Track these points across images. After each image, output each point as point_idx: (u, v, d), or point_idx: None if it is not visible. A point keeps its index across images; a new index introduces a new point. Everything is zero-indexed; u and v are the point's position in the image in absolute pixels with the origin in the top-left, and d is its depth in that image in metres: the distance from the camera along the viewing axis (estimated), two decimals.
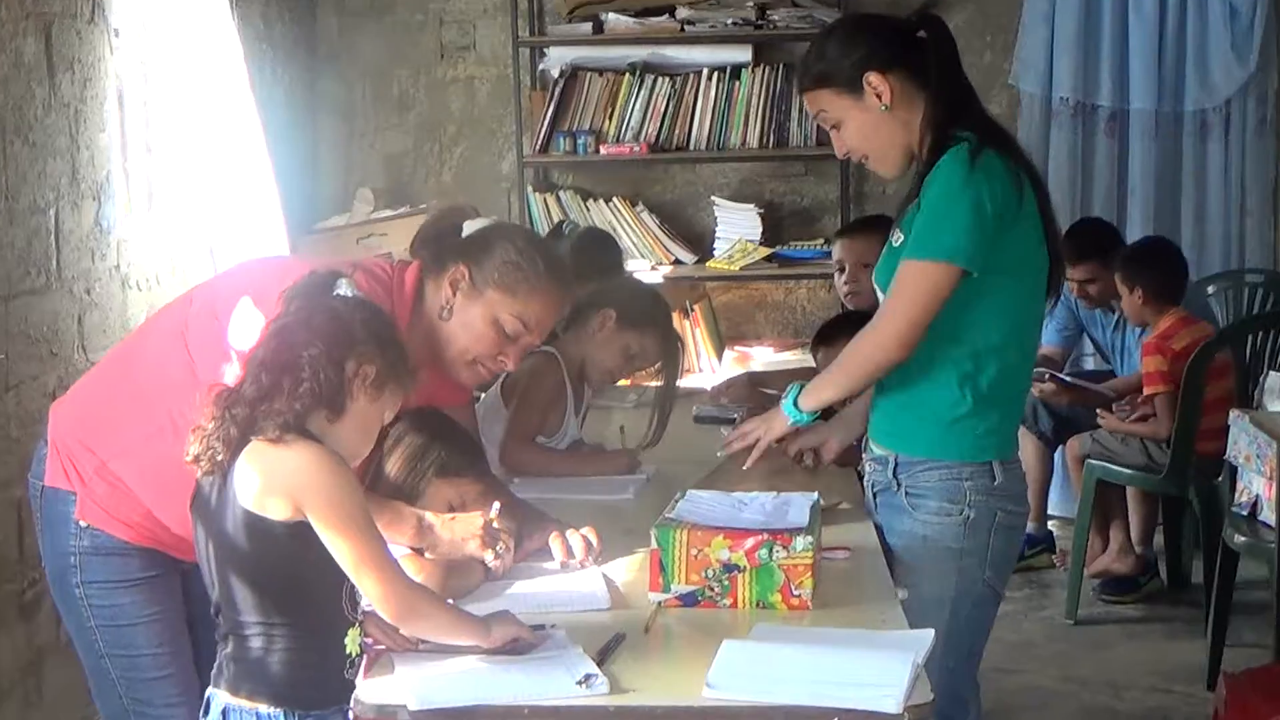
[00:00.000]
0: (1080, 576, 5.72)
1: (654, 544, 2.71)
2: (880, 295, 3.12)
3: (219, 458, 2.31)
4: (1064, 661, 5.33)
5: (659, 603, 2.71)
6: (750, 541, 2.67)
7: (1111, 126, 6.67)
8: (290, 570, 2.33)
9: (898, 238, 3.07)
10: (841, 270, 4.84)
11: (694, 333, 6.71)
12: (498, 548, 2.79)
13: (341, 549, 2.30)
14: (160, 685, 2.89)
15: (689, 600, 2.71)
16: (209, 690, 2.41)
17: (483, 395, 4.00)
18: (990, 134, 3.04)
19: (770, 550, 2.67)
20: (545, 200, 6.67)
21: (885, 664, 2.27)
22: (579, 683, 2.29)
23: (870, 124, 3.09)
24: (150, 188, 4.85)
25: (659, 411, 3.93)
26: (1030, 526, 5.53)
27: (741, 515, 2.83)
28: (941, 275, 2.94)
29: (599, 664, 2.39)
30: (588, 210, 6.68)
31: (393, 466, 2.88)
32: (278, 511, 2.31)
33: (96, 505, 2.89)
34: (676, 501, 2.93)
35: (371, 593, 2.33)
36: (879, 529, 3.17)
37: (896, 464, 3.10)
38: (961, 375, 3.02)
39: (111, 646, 2.93)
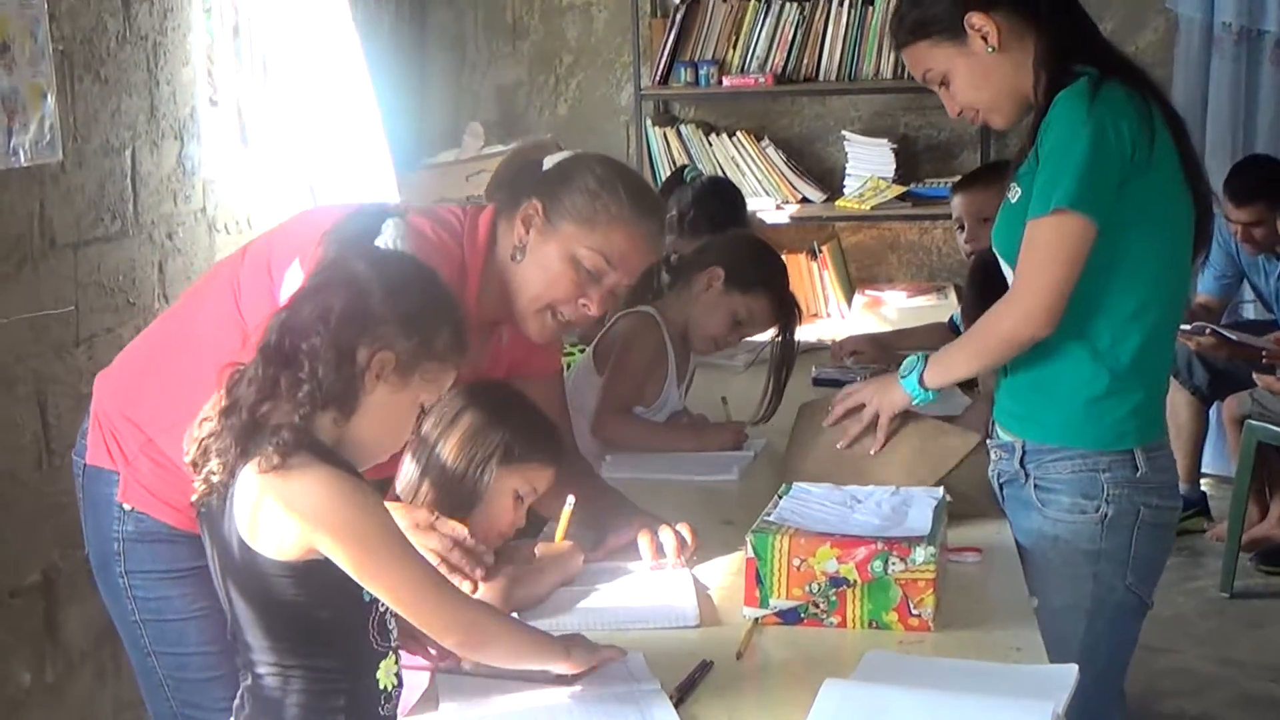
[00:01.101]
0: (1237, 546, 5.31)
1: (749, 552, 2.36)
2: (999, 257, 2.74)
3: (215, 479, 1.99)
4: (1219, 640, 4.91)
5: (755, 620, 2.36)
6: (862, 552, 2.31)
7: (1278, 54, 6.12)
8: (302, 613, 2.01)
9: (1014, 193, 2.68)
10: (961, 228, 4.43)
11: (821, 276, 6.34)
12: (472, 570, 2.41)
13: (381, 589, 1.98)
14: (210, 688, 2.60)
15: (790, 618, 2.36)
16: None
17: (572, 365, 3.67)
18: (1114, 66, 2.65)
19: (886, 562, 2.30)
20: (665, 135, 6.33)
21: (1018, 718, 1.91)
22: None
23: (979, 71, 2.71)
24: (243, 125, 4.56)
25: (773, 382, 3.56)
26: (1181, 488, 5.10)
27: (853, 517, 2.46)
28: (1075, 229, 2.55)
29: (679, 702, 2.05)
30: (709, 145, 6.31)
31: (448, 451, 2.53)
32: (281, 552, 1.98)
33: (141, 486, 2.61)
34: (780, 498, 2.57)
35: (430, 626, 2.02)
36: (1011, 525, 2.80)
37: (1024, 452, 2.72)
38: (1096, 349, 2.64)
39: (158, 643, 2.66)
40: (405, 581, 1.96)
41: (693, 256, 3.68)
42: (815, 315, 6.43)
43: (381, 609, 2.03)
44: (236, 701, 2.07)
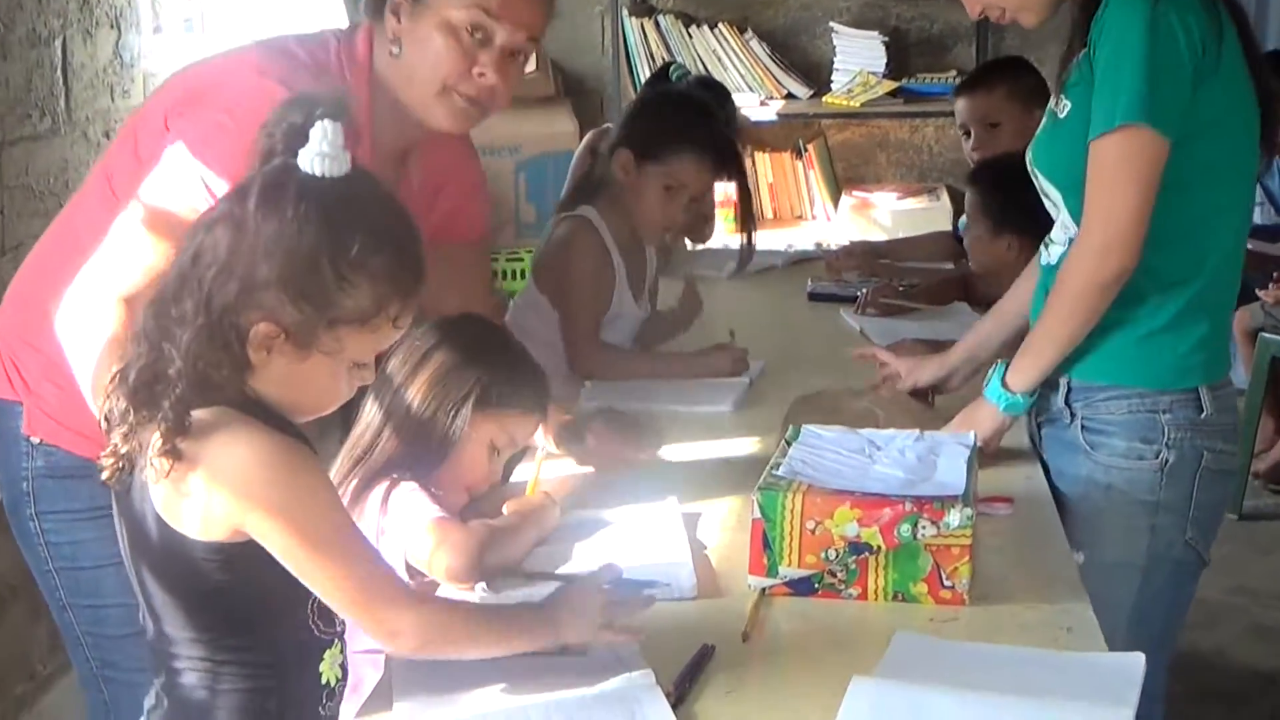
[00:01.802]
0: (1249, 464, 5.02)
1: (756, 512, 2.04)
2: (1040, 181, 2.40)
3: (123, 449, 1.65)
4: (1230, 567, 4.61)
5: (761, 591, 2.04)
6: (887, 514, 1.99)
7: None
8: (232, 599, 1.67)
9: (1063, 107, 2.32)
10: (967, 135, 4.04)
11: (807, 176, 6.01)
12: None
13: (318, 581, 1.65)
14: (129, 645, 2.26)
15: (802, 589, 2.04)
16: None
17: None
18: None
19: (915, 526, 1.98)
20: (642, 26, 5.93)
21: None
22: None
23: None
24: (187, 11, 4.27)
25: (744, 236, 3.40)
26: None
27: (873, 469, 2.14)
28: (1145, 145, 2.21)
29: (677, 702, 1.74)
30: (689, 38, 5.92)
31: (416, 392, 2.21)
32: (206, 531, 1.65)
33: (47, 415, 2.32)
34: (788, 445, 2.24)
35: (378, 630, 1.69)
36: (1046, 470, 2.48)
37: (1070, 389, 2.40)
38: (1158, 276, 2.30)
39: (73, 595, 2.36)
40: (349, 574, 1.63)
41: (606, 150, 3.32)
42: (801, 218, 6.10)
43: None
44: (150, 700, 1.75)
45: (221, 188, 1.98)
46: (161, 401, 1.60)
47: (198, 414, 1.61)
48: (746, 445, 2.70)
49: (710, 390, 2.98)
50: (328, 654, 1.71)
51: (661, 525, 2.28)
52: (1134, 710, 1.64)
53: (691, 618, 1.99)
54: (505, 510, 2.24)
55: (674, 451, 2.67)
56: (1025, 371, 2.39)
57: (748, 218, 3.36)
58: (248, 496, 1.59)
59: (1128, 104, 2.19)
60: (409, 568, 2.13)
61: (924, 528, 1.98)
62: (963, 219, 4.27)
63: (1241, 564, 4.65)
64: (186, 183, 2.11)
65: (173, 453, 1.59)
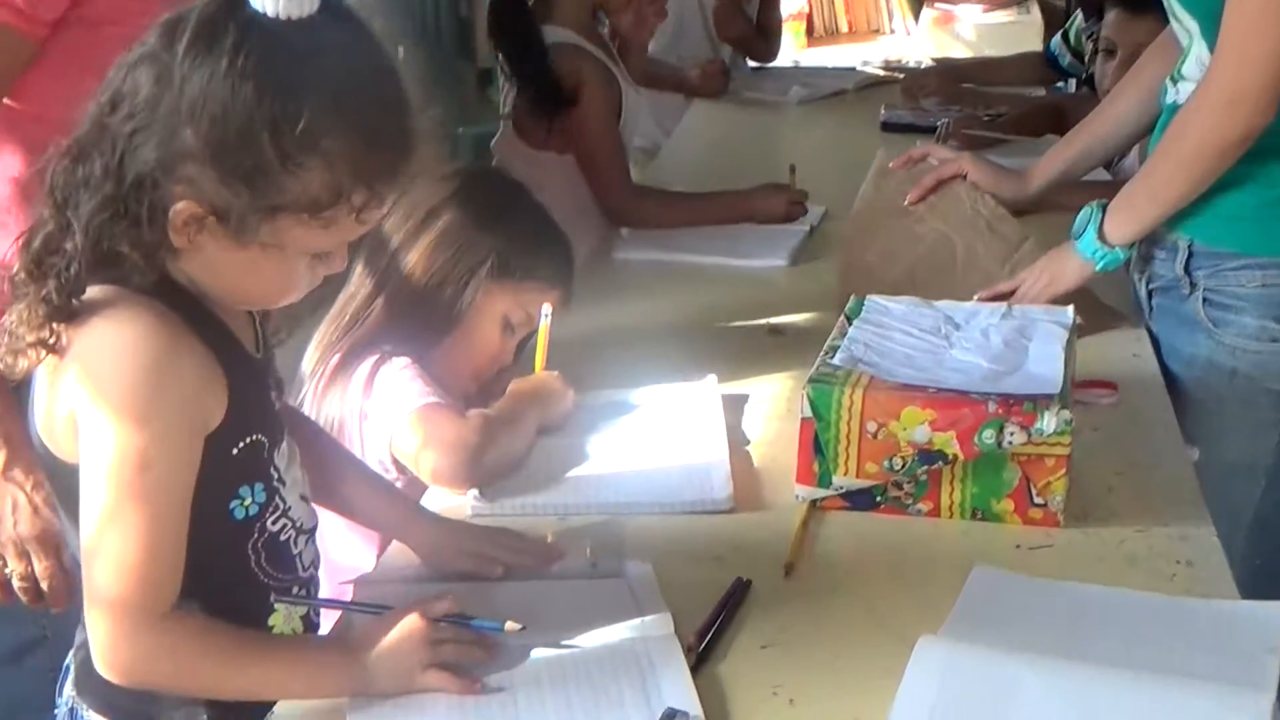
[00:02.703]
0: None
1: (806, 410, 1.67)
2: (1173, 3, 1.98)
3: (16, 328, 1.27)
4: None
5: (811, 504, 1.69)
6: (967, 416, 1.62)
7: None
8: None
9: None
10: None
11: None
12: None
13: (92, 529, 1.25)
14: None
15: (860, 503, 1.69)
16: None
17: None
18: None
19: (1000, 432, 1.61)
20: None
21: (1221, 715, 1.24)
22: None
23: None
24: None
25: None
26: None
27: (950, 356, 1.76)
28: None
29: (698, 663, 1.39)
30: None
31: (418, 258, 1.89)
32: (70, 447, 1.30)
33: None
34: (847, 321, 1.87)
35: (93, 641, 1.26)
36: (1157, 347, 2.10)
37: (1191, 254, 2.01)
38: None
39: None
40: (127, 536, 1.23)
41: None
42: (877, 31, 5.66)
43: (274, 524, 1.36)
44: (79, 636, 1.43)
45: None
46: (48, 278, 1.25)
47: (91, 292, 1.26)
48: (804, 308, 2.34)
49: (763, 240, 2.61)
50: (280, 608, 1.38)
51: (697, 411, 1.92)
52: (1274, 697, 1.28)
53: (724, 536, 1.64)
54: (509, 391, 1.89)
55: (717, 314, 2.31)
56: (1124, 225, 2.01)
57: None
58: (92, 385, 1.24)
59: None
60: (394, 462, 1.79)
61: (1011, 434, 1.61)
62: (1054, 40, 3.83)
63: None
64: None
65: (45, 343, 1.25)
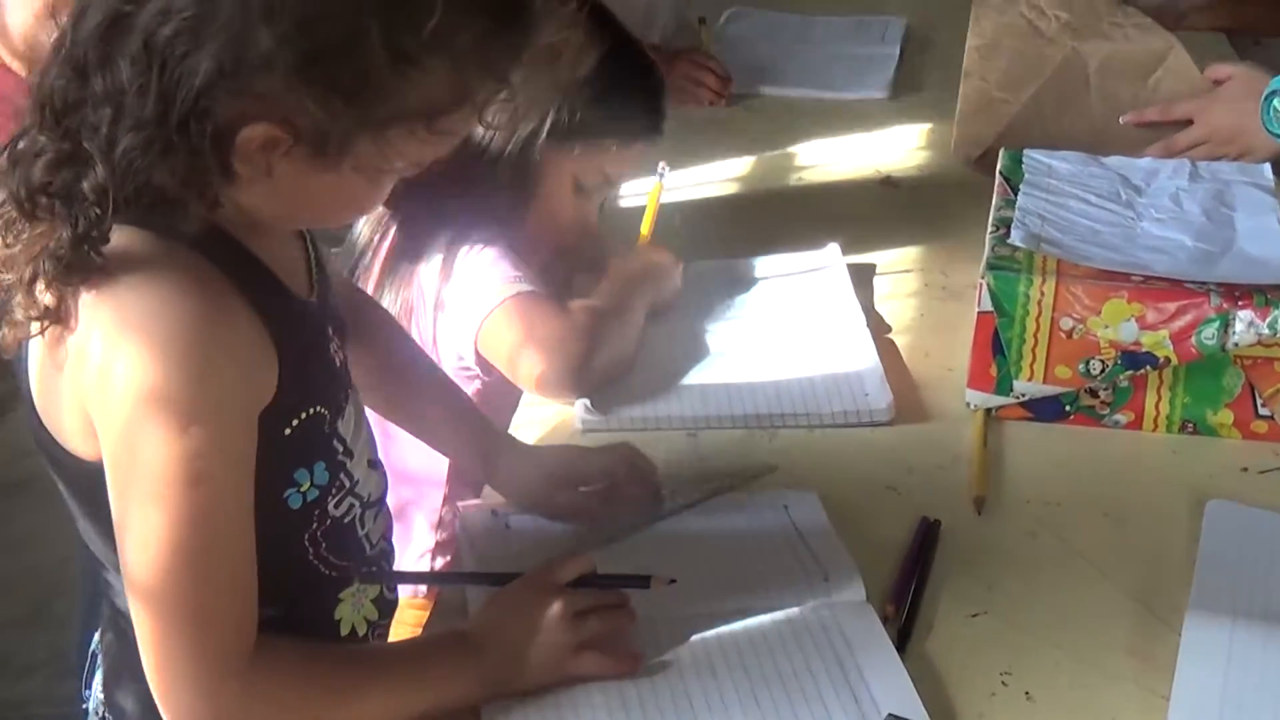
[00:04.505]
0: None
1: (985, 303, 1.40)
2: None
3: (18, 315, 0.94)
4: None
5: (987, 413, 1.42)
6: (1185, 310, 1.35)
7: None
8: None
9: None
10: None
11: None
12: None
13: (126, 528, 0.94)
14: None
15: (1046, 413, 1.42)
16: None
17: None
18: None
19: (1223, 329, 1.34)
20: None
21: None
22: None
23: None
24: None
25: None
26: None
27: (1141, 230, 1.48)
28: None
29: (904, 639, 1.13)
30: None
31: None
32: (81, 444, 0.98)
33: None
34: (1008, 184, 1.57)
35: (156, 693, 0.97)
36: None
37: None
38: None
39: None
40: (187, 573, 0.93)
41: None
42: None
43: (337, 507, 1.07)
44: (90, 662, 1.16)
45: None
46: (57, 225, 0.92)
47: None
48: (912, 151, 2.05)
49: (853, 69, 2.29)
50: (346, 595, 1.10)
51: (825, 289, 1.64)
52: None
53: (890, 460, 1.36)
54: (611, 271, 1.60)
55: (822, 159, 2.02)
56: None
57: None
58: (114, 373, 0.92)
59: None
60: (479, 360, 1.51)
61: (1238, 331, 1.34)
62: None
63: None
64: None
65: (48, 311, 0.94)
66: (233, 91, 0.89)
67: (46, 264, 0.91)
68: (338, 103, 0.90)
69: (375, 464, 1.13)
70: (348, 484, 1.08)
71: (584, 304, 1.49)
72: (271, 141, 0.91)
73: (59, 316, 0.93)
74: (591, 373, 1.44)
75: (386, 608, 1.14)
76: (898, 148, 2.06)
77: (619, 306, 1.52)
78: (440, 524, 1.55)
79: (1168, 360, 1.36)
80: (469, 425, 1.32)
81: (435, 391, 1.33)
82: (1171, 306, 1.35)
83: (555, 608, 1.08)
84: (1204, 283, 1.36)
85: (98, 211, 0.90)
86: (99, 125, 0.90)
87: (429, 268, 1.53)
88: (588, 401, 1.43)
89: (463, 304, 1.50)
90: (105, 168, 0.90)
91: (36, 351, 0.99)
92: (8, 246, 0.93)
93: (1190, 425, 1.40)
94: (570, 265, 1.64)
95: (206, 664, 0.94)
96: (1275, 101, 1.72)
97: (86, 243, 0.90)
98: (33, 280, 0.92)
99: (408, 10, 0.88)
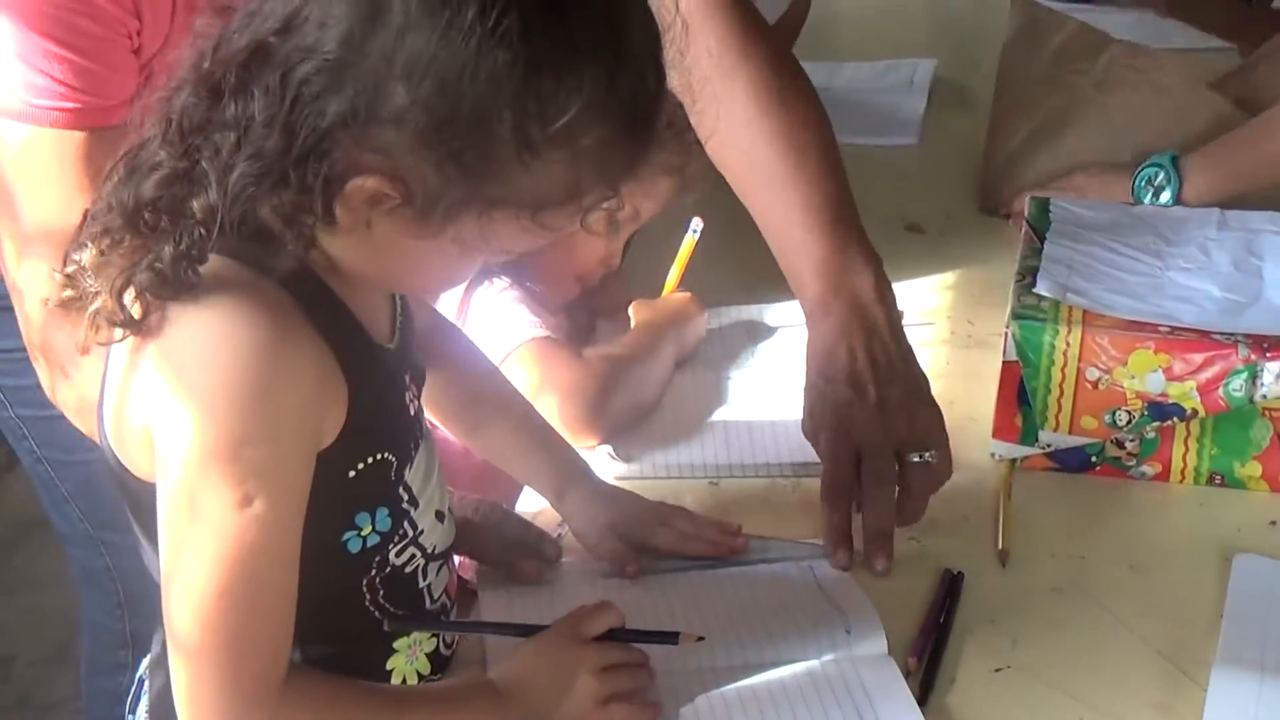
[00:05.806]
0: None
1: (1010, 352, 1.39)
2: None
3: (91, 285, 0.95)
4: None
5: (1012, 464, 1.41)
6: (1210, 363, 1.34)
7: None
8: None
9: None
10: None
11: None
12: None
13: (174, 568, 0.94)
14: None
15: (1072, 462, 1.41)
16: None
17: None
18: None
19: (1251, 381, 1.33)
20: None
21: None
22: None
23: None
24: None
25: None
26: None
27: (1168, 279, 1.48)
28: None
29: (925, 692, 1.12)
30: None
31: None
32: (143, 462, 1.00)
33: None
34: (1034, 233, 1.57)
35: (199, 688, 0.95)
36: None
37: None
38: None
39: (48, 448, 1.72)
40: (227, 600, 0.93)
41: None
42: None
43: (398, 556, 1.08)
44: (131, 695, 1.16)
45: None
46: (164, 242, 0.93)
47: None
48: (938, 197, 2.04)
49: (885, 115, 2.29)
50: (400, 645, 1.10)
51: None
52: None
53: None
54: (632, 315, 1.60)
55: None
56: (1215, 182, 1.73)
57: None
58: (176, 386, 0.93)
59: None
60: None
61: (1266, 383, 1.33)
62: None
63: None
64: None
65: (133, 321, 0.94)
66: (356, 139, 0.90)
67: (142, 275, 0.92)
68: (454, 173, 0.90)
69: (443, 516, 1.13)
70: (411, 533, 1.08)
71: (602, 354, 1.49)
72: (379, 196, 0.91)
73: (142, 328, 0.94)
74: (606, 419, 1.44)
75: (440, 663, 1.14)
76: (924, 194, 2.05)
77: (642, 354, 1.52)
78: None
79: (1195, 412, 1.35)
80: (545, 454, 1.32)
81: (514, 419, 1.33)
82: (1199, 358, 1.34)
83: (585, 661, 1.08)
84: (1232, 333, 1.35)
85: (203, 231, 0.91)
86: (220, 148, 0.91)
87: (445, 305, 1.53)
88: (610, 448, 1.43)
89: (480, 345, 1.50)
90: (218, 190, 0.91)
91: (116, 359, 1.00)
92: (102, 254, 0.94)
93: (1218, 477, 1.39)
94: (593, 304, 1.64)
95: (237, 692, 0.95)
96: (1168, 193, 1.72)
97: (186, 260, 0.92)
98: (123, 289, 0.93)
99: (543, 102, 0.88)
